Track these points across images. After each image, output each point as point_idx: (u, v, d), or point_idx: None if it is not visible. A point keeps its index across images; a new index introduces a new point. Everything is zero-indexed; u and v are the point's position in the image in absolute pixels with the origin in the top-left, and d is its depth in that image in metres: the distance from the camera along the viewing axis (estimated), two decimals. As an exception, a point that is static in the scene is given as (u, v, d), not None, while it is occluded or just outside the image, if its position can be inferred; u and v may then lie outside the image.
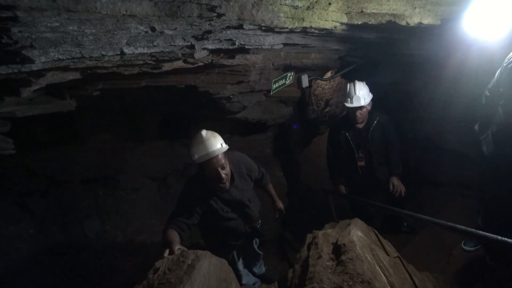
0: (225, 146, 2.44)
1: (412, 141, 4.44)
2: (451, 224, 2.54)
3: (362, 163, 3.71)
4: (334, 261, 2.13)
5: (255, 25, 2.33)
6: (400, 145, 3.75)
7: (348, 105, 3.48)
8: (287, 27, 2.49)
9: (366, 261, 2.04)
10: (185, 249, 2.10)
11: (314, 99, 6.39)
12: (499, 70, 2.38)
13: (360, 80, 3.56)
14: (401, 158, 3.71)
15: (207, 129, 2.51)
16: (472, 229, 2.47)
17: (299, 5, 2.35)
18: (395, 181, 3.58)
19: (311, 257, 2.30)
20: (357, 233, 2.41)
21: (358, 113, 3.51)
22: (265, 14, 2.26)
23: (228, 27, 2.26)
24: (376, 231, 2.91)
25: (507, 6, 2.42)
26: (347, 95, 3.49)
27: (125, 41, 1.95)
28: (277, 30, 2.53)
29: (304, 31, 2.75)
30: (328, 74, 4.93)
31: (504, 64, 2.30)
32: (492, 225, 2.77)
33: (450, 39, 2.99)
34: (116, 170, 4.63)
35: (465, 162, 3.82)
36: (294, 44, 3.12)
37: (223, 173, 2.41)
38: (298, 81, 3.86)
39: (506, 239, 1.96)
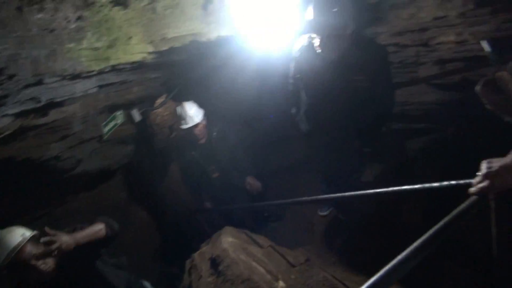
0: (29, 234, 2.12)
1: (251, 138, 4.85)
2: (304, 198, 2.89)
3: (216, 175, 3.89)
4: (214, 274, 2.19)
5: (58, 76, 2.19)
6: (244, 145, 4.06)
7: (185, 126, 3.60)
8: (94, 70, 2.43)
9: (241, 262, 2.16)
10: None
11: (157, 129, 6.34)
12: (292, 62, 2.83)
13: (187, 99, 3.72)
14: (249, 157, 4.02)
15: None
16: (319, 196, 2.85)
17: (99, 46, 2.31)
18: (250, 180, 3.87)
19: (193, 280, 2.32)
20: (228, 240, 2.52)
21: (197, 130, 3.66)
22: (64, 63, 2.16)
23: (26, 86, 2.07)
24: (247, 231, 3.09)
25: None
26: (181, 118, 3.61)
27: None
28: (84, 75, 2.43)
29: (115, 69, 2.72)
30: (159, 101, 4.98)
31: (293, 55, 2.74)
32: (332, 187, 3.26)
33: (245, 46, 3.36)
34: None
35: (301, 143, 4.36)
36: (111, 84, 3.05)
37: (39, 264, 2.06)
38: (129, 117, 3.80)
39: (344, 194, 2.33)
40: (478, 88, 1.12)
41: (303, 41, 2.65)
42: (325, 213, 3.62)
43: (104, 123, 3.51)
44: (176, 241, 4.99)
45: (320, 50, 2.45)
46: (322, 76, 2.50)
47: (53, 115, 2.72)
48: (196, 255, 2.61)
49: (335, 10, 2.19)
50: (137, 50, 2.67)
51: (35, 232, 2.15)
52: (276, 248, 2.74)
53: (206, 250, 2.63)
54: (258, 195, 3.89)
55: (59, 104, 2.65)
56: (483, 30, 2.53)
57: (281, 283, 2.15)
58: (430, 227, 1.26)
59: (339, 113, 2.60)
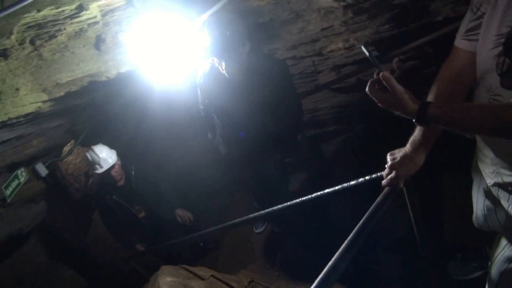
0: None
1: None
2: (237, 220, 2.86)
3: (142, 214, 3.71)
4: (156, 322, 2.06)
5: None
6: (166, 177, 3.94)
7: (100, 171, 3.38)
8: (-20, 130, 2.19)
9: (182, 301, 2.06)
10: None
11: (71, 179, 5.88)
12: (198, 88, 2.82)
13: (97, 142, 3.51)
14: (174, 187, 3.89)
15: None
16: (251, 215, 2.85)
17: (-19, 103, 2.09)
18: (179, 212, 3.74)
19: (135, 335, 2.15)
20: (166, 281, 2.40)
21: (113, 172, 3.46)
22: None
23: None
24: (186, 266, 2.97)
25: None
26: (93, 163, 3.39)
27: None
28: (-31, 137, 2.18)
29: (6, 125, 2.48)
30: (66, 149, 4.65)
31: (198, 82, 2.75)
32: (262, 203, 3.30)
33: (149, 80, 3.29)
34: None
35: (225, 165, 4.35)
36: (5, 141, 2.78)
37: None
38: (35, 172, 3.48)
39: (274, 208, 2.36)
40: (367, 89, 1.22)
41: (205, 66, 2.68)
42: (260, 230, 3.64)
43: (5, 185, 3.16)
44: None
45: (222, 73, 2.49)
46: (229, 98, 2.54)
47: None
48: (134, 305, 2.44)
49: (228, 33, 2.24)
50: (29, 101, 2.47)
51: None
52: (218, 277, 2.68)
53: (144, 296, 2.47)
54: (192, 225, 3.78)
55: None
56: (365, 34, 2.80)
57: (228, 312, 2.10)
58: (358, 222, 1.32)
59: (253, 130, 2.66)
